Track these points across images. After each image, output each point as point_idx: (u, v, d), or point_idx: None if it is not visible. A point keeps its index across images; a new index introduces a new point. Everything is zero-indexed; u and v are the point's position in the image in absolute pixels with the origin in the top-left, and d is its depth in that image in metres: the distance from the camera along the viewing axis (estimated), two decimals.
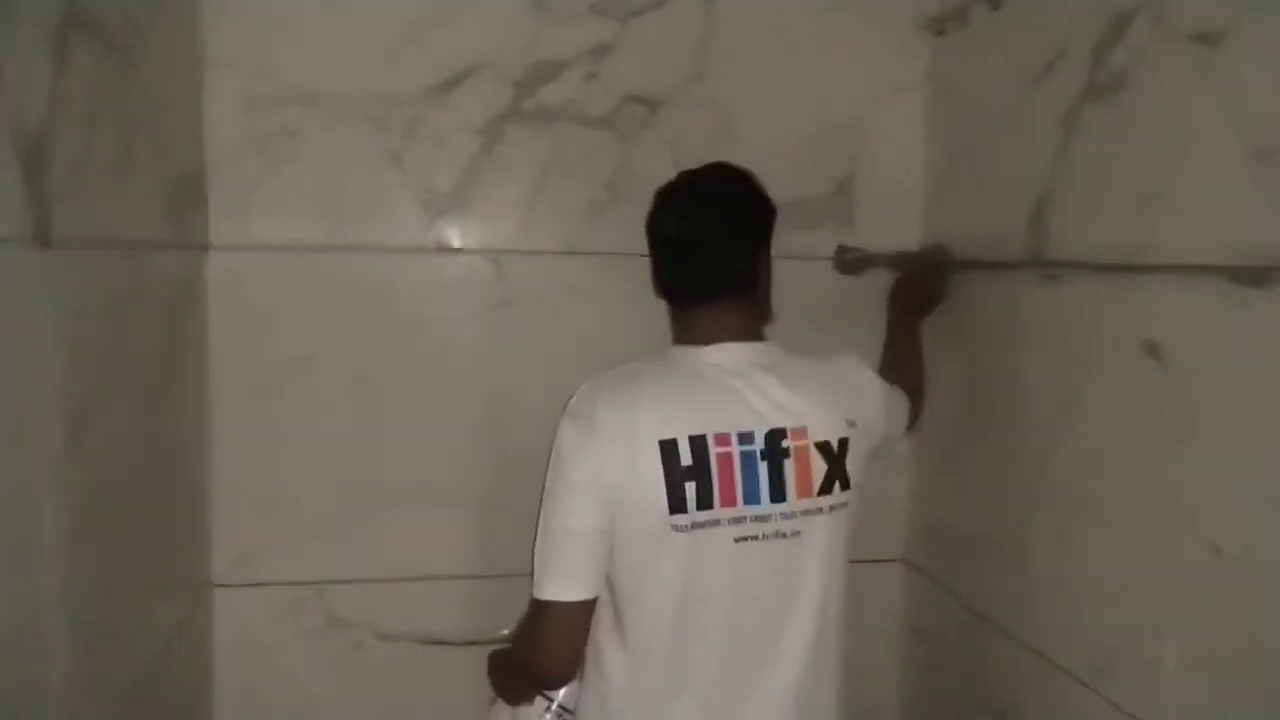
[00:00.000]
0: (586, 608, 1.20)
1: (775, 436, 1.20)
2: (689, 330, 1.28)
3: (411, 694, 1.72)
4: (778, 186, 1.70)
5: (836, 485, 1.23)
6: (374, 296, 1.64)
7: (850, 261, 1.73)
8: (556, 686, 1.29)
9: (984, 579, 1.58)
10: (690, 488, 1.16)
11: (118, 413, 1.18)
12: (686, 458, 1.16)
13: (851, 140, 1.74)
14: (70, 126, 1.00)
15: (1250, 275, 1.03)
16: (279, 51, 1.56)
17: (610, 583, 1.22)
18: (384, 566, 1.69)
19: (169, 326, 1.42)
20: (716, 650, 1.21)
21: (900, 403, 1.45)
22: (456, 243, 1.66)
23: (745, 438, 1.18)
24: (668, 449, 1.16)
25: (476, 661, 1.57)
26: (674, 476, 1.16)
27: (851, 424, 1.25)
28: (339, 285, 1.62)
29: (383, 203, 1.62)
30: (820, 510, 1.22)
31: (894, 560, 1.87)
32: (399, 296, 1.65)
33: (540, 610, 1.19)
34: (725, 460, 1.17)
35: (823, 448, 1.22)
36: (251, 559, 1.64)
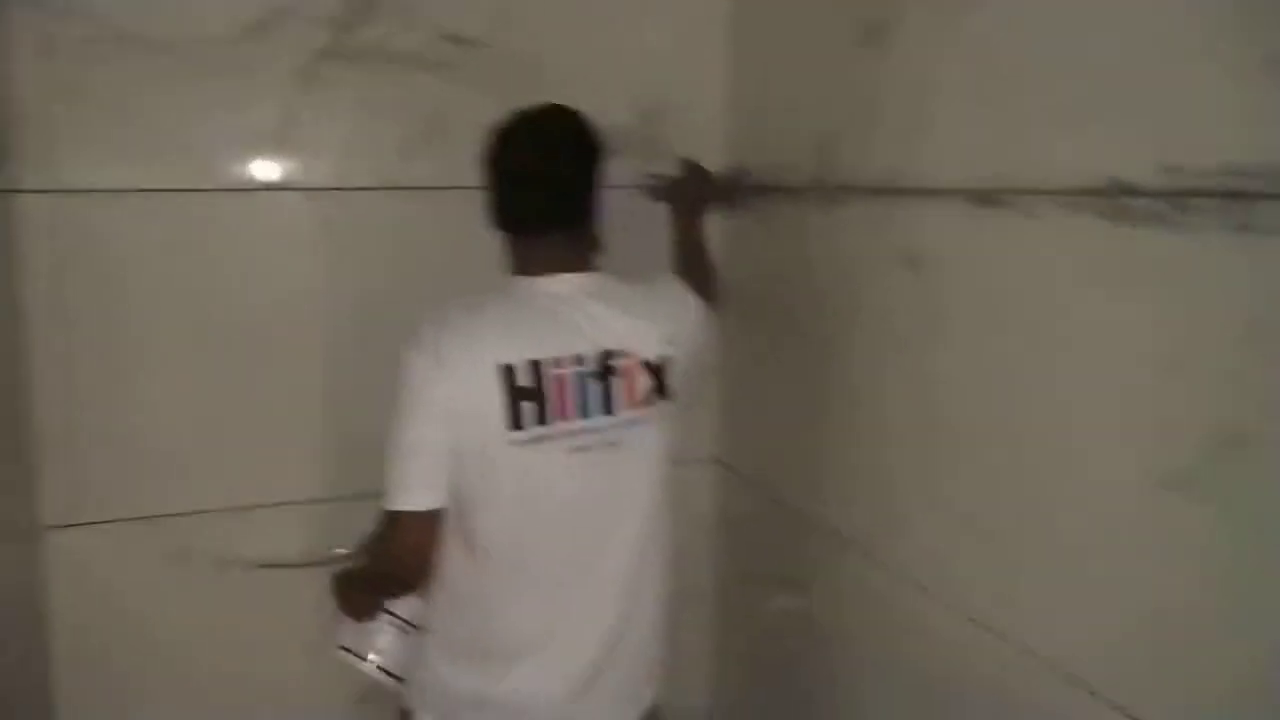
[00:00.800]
0: (435, 516, 1.30)
1: (605, 358, 1.33)
2: (526, 261, 1.37)
3: (258, 618, 1.78)
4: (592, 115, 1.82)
5: (657, 397, 1.38)
6: (199, 235, 1.65)
7: (662, 188, 1.86)
8: (413, 589, 1.39)
9: (784, 471, 1.80)
10: (528, 407, 1.29)
11: None
12: (524, 379, 1.28)
13: (658, 72, 1.86)
14: None
15: (983, 196, 1.23)
16: None
17: (457, 495, 1.31)
18: (223, 496, 1.73)
19: None
20: (555, 548, 1.36)
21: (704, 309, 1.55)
22: (277, 181, 1.69)
23: (578, 359, 1.32)
24: (506, 372, 1.28)
25: (318, 581, 1.66)
26: (513, 397, 1.28)
27: (671, 342, 1.39)
28: (161, 225, 1.63)
29: (200, 143, 1.63)
30: (645, 420, 1.37)
31: (707, 461, 2.06)
32: (224, 234, 1.67)
33: (394, 520, 1.30)
34: (560, 380, 1.31)
35: (647, 365, 1.36)
36: (86, 498, 1.65)
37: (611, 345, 1.34)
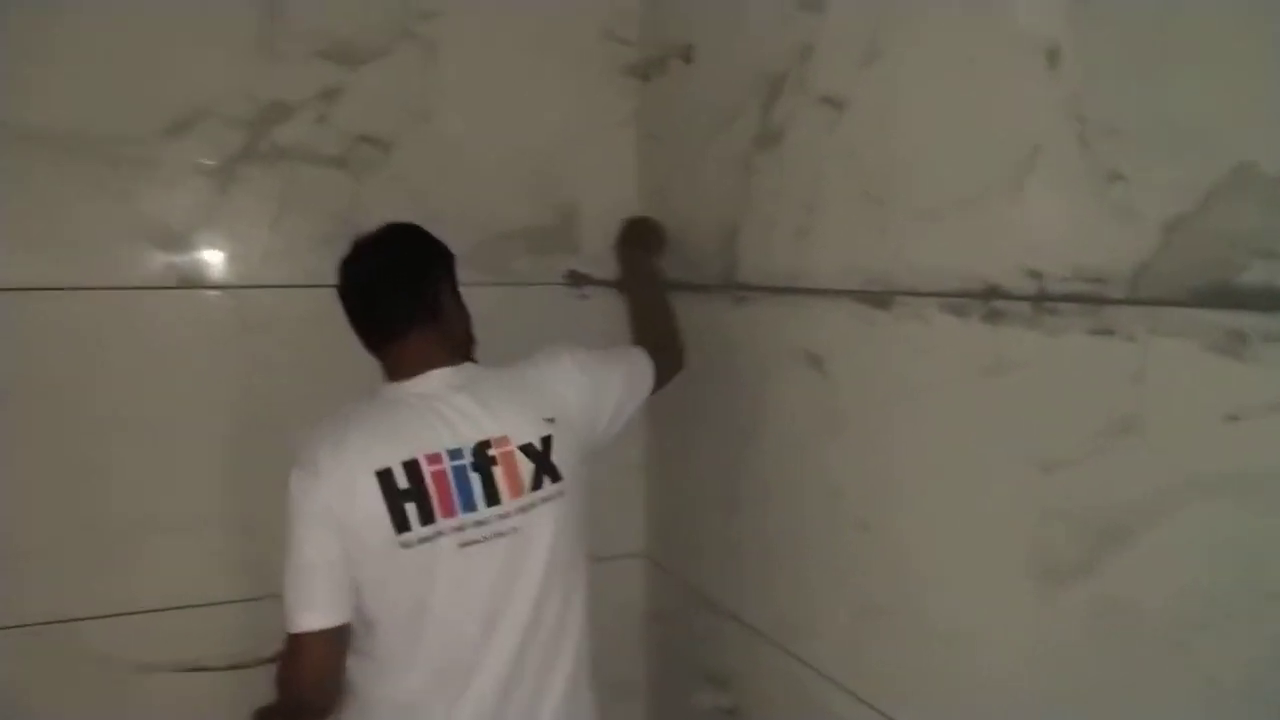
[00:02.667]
0: (338, 633, 1.28)
1: (481, 448, 1.33)
2: (392, 368, 1.38)
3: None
4: (506, 217, 1.87)
5: (546, 479, 1.36)
6: (114, 334, 1.65)
7: (582, 284, 1.90)
8: (327, 713, 1.35)
9: (705, 566, 1.79)
10: (411, 508, 1.28)
11: None
12: (403, 481, 1.29)
13: (572, 174, 1.92)
14: None
15: (875, 298, 1.26)
16: (4, 89, 1.55)
17: (356, 604, 1.31)
18: (133, 599, 1.69)
19: None
20: (454, 643, 1.33)
21: (635, 364, 1.54)
22: (194, 279, 1.69)
23: (454, 454, 1.31)
24: (384, 477, 1.28)
25: (242, 685, 1.62)
26: (394, 501, 1.28)
27: (550, 420, 1.38)
28: (69, 325, 1.62)
29: (116, 242, 1.64)
30: (534, 505, 1.35)
31: (635, 556, 2.05)
32: (138, 333, 1.66)
33: (295, 643, 1.28)
34: (439, 476, 1.30)
35: (526, 450, 1.35)
36: None
37: (485, 435, 1.34)
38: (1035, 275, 1.00)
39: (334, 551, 1.27)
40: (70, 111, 1.59)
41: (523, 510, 1.35)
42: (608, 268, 1.92)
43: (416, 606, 1.31)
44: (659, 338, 1.66)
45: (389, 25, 1.76)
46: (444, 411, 1.33)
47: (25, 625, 1.63)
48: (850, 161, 1.30)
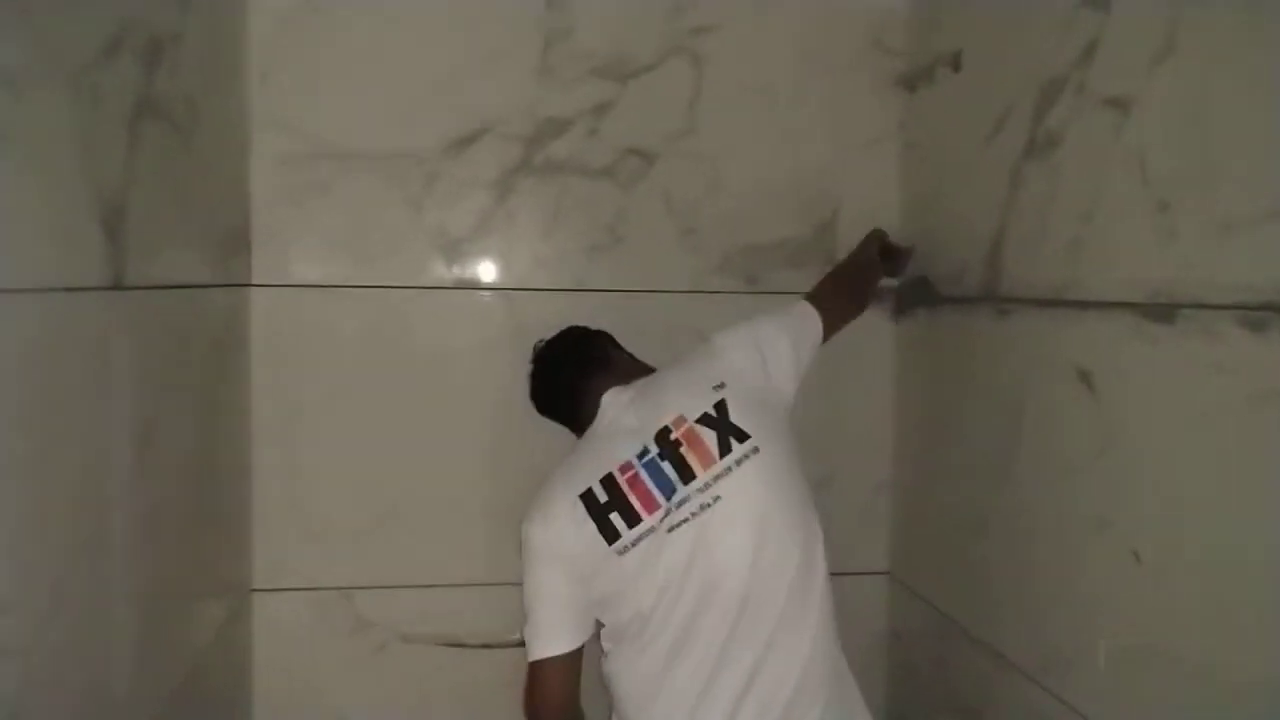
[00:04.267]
0: (569, 659, 1.38)
1: (663, 435, 1.39)
2: (581, 420, 1.52)
3: (431, 692, 1.87)
4: (763, 229, 1.90)
5: (733, 441, 1.38)
6: (398, 329, 1.82)
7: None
8: None
9: (954, 588, 1.72)
10: (616, 517, 1.36)
11: (177, 433, 1.36)
12: (603, 496, 1.38)
13: (831, 186, 1.91)
14: (140, 193, 1.19)
15: (1158, 312, 1.17)
16: (312, 115, 1.76)
17: (606, 625, 1.41)
18: (406, 574, 1.85)
19: (218, 357, 1.61)
20: (708, 625, 1.34)
21: (796, 314, 1.57)
22: (473, 282, 1.84)
23: (641, 454, 1.39)
24: (587, 498, 1.38)
25: (491, 663, 1.73)
26: (600, 516, 1.37)
27: (720, 386, 1.42)
28: (366, 319, 1.81)
29: (404, 247, 1.81)
30: (729, 470, 1.37)
31: (881, 573, 2.01)
32: (421, 329, 1.83)
33: (532, 671, 1.39)
34: (633, 480, 1.38)
35: (704, 420, 1.39)
36: (286, 566, 1.81)
37: (662, 424, 1.40)
38: None
39: (560, 585, 1.38)
40: (374, 132, 1.78)
41: (719, 477, 1.37)
42: None
43: (654, 607, 1.35)
44: (834, 284, 1.71)
45: (661, 40, 1.84)
46: (625, 425, 1.43)
47: (315, 589, 1.83)
48: (1136, 166, 1.21)
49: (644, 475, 1.38)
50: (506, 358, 1.83)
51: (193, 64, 1.41)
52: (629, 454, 1.40)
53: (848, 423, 1.95)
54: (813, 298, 1.61)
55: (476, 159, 1.81)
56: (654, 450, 1.39)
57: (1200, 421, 1.11)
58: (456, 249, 1.82)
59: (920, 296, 1.83)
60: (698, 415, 1.40)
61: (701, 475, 1.37)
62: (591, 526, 1.36)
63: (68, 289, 1.02)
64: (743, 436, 1.39)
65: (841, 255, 1.90)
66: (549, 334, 1.66)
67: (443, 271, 1.83)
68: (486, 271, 1.84)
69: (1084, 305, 1.32)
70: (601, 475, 1.39)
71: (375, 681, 1.86)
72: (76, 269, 1.04)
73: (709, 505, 1.35)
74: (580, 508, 1.37)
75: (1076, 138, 1.34)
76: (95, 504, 1.10)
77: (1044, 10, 1.41)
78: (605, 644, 1.43)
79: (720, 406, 1.40)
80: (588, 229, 1.85)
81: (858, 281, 1.76)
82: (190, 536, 1.45)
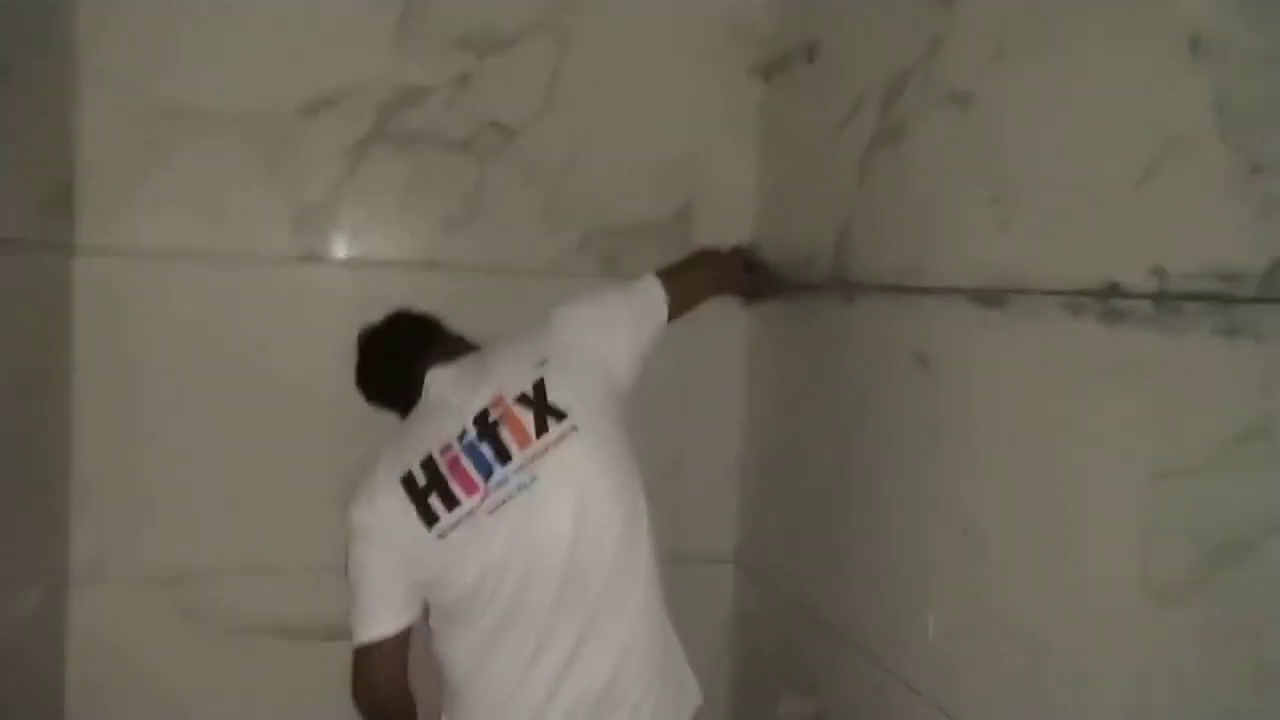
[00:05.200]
0: (394, 642, 1.35)
1: (481, 416, 1.37)
2: (411, 400, 1.46)
3: (262, 685, 1.78)
4: (623, 211, 1.89)
5: (550, 421, 1.37)
6: (240, 301, 1.73)
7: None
8: (389, 714, 1.40)
9: (798, 571, 1.76)
10: (434, 499, 1.34)
11: None
12: (421, 479, 1.35)
13: (690, 171, 1.93)
14: None
15: (990, 297, 1.23)
16: (151, 70, 1.66)
17: (433, 606, 1.38)
18: (235, 559, 1.76)
19: (33, 322, 1.49)
20: (511, 603, 1.34)
21: (641, 290, 1.55)
22: (321, 254, 1.77)
23: (461, 435, 1.37)
24: (407, 481, 1.35)
25: (325, 654, 1.67)
26: (419, 500, 1.34)
27: (542, 363, 1.40)
28: (204, 290, 1.71)
29: (249, 214, 1.72)
30: (545, 449, 1.35)
31: (724, 561, 2.03)
32: (265, 302, 1.75)
33: (358, 656, 1.36)
34: (452, 462, 1.35)
35: (521, 400, 1.37)
36: (108, 555, 1.70)
37: (480, 405, 1.38)
38: (1158, 272, 0.96)
39: (383, 566, 1.35)
40: (220, 92, 1.68)
41: (536, 457, 1.35)
42: None
43: (477, 587, 1.34)
44: (688, 264, 1.69)
45: (526, 14, 1.82)
46: (448, 404, 1.40)
47: (138, 577, 1.72)
48: (974, 158, 1.27)
49: (463, 457, 1.35)
50: (351, 334, 1.77)
51: (8, 5, 1.30)
52: (449, 435, 1.37)
53: (697, 408, 1.96)
54: (662, 274, 1.59)
55: (328, 125, 1.74)
56: (472, 432, 1.36)
57: (1025, 400, 1.16)
58: (304, 219, 1.75)
59: (771, 283, 1.86)
60: (515, 395, 1.38)
61: (518, 456, 1.35)
62: (412, 510, 1.34)
63: None
64: (560, 416, 1.37)
65: (697, 239, 1.92)
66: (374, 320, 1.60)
67: (288, 242, 1.75)
68: (335, 243, 1.78)
69: (924, 291, 1.37)
70: (422, 458, 1.36)
71: (203, 675, 1.76)
72: None
73: (526, 486, 1.34)
74: (400, 490, 1.35)
75: (922, 129, 1.39)
76: None
77: (896, 5, 1.46)
78: (433, 623, 1.40)
79: (539, 386, 1.38)
80: (443, 202, 1.81)
81: (712, 269, 1.76)
82: None
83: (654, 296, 1.55)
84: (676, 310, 1.57)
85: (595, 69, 1.86)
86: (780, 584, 1.83)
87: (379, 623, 1.34)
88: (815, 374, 1.69)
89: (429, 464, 1.36)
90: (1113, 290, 1.02)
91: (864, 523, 1.52)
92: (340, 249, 1.78)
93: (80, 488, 1.67)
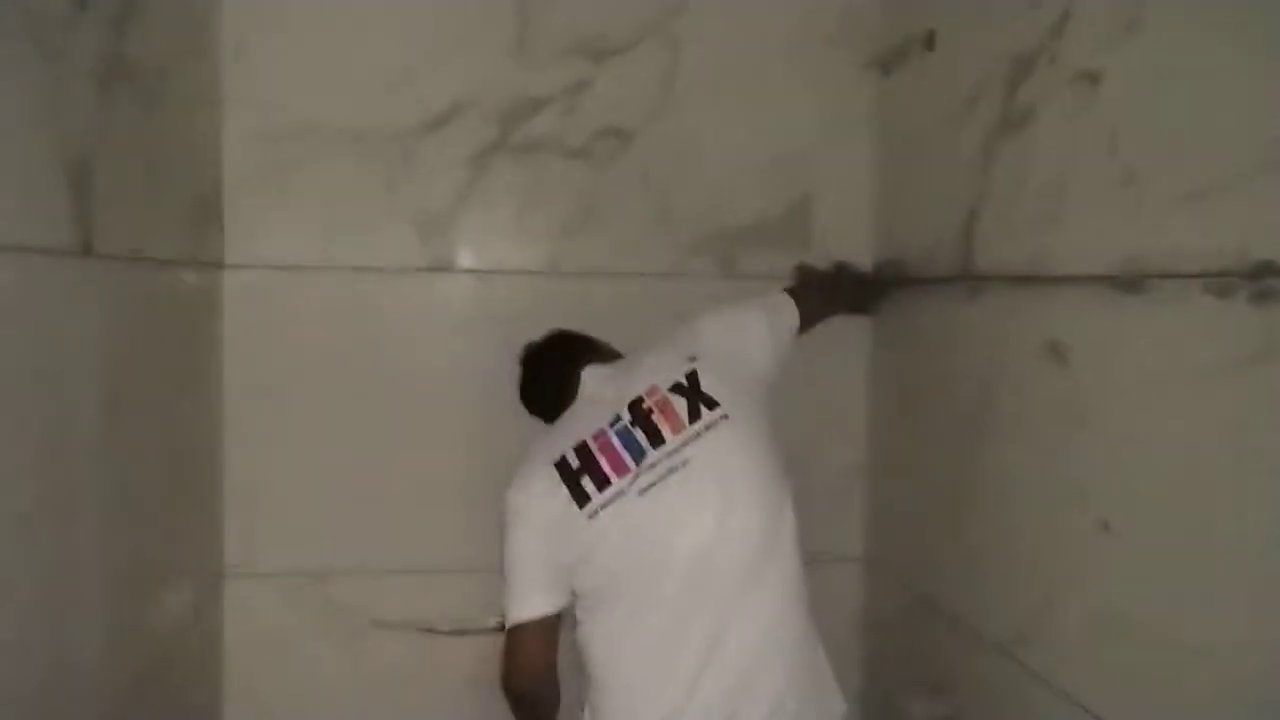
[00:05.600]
0: (546, 623, 1.39)
1: (635, 404, 1.43)
2: (568, 404, 1.53)
3: (405, 678, 1.85)
4: (738, 210, 1.90)
5: (703, 408, 1.42)
6: (373, 311, 1.81)
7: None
8: (535, 699, 1.45)
9: (929, 570, 1.73)
10: (586, 481, 1.39)
11: (145, 409, 1.34)
12: (575, 462, 1.41)
13: (806, 168, 1.91)
14: (110, 154, 1.17)
15: (1127, 283, 1.18)
16: (286, 91, 1.75)
17: (579, 592, 1.41)
18: (380, 558, 1.84)
19: (189, 334, 1.59)
20: (683, 582, 1.36)
21: (774, 302, 1.63)
22: (447, 263, 1.83)
23: (614, 421, 1.43)
24: (561, 465, 1.42)
25: (465, 648, 1.72)
26: (571, 481, 1.40)
27: (693, 358, 1.47)
28: (340, 300, 1.80)
29: (379, 227, 1.80)
30: (699, 434, 1.40)
31: (853, 559, 2.01)
32: (396, 311, 1.82)
33: (510, 636, 1.41)
34: (604, 446, 1.41)
35: (676, 389, 1.43)
36: (260, 550, 1.80)
37: (635, 394, 1.44)
38: None
39: (536, 549, 1.40)
40: (349, 110, 1.77)
41: (689, 442, 1.40)
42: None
43: (629, 568, 1.38)
44: (809, 284, 1.76)
45: (637, 21, 1.84)
46: (602, 397, 1.47)
47: (287, 574, 1.82)
48: (1105, 139, 1.22)
49: (615, 441, 1.41)
50: (480, 339, 1.83)
51: (164, 30, 1.40)
52: (603, 423, 1.43)
53: (822, 406, 1.95)
54: (791, 290, 1.67)
55: (452, 138, 1.80)
56: (626, 418, 1.42)
57: (1169, 389, 1.11)
58: (430, 229, 1.82)
59: (894, 278, 1.83)
60: (670, 384, 1.44)
61: (671, 440, 1.40)
62: (564, 491, 1.39)
63: (33, 249, 1.00)
64: (712, 404, 1.42)
65: (815, 237, 1.91)
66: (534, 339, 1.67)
67: (416, 252, 1.82)
68: (460, 252, 1.83)
69: (1055, 280, 1.33)
70: (575, 443, 1.42)
71: (349, 668, 1.84)
72: (43, 229, 1.03)
73: (676, 469, 1.38)
74: (554, 474, 1.40)
75: (1048, 112, 1.35)
76: (57, 474, 1.08)
77: None
78: (579, 613, 1.43)
79: (692, 376, 1.44)
80: (563, 209, 1.85)
81: (828, 288, 1.80)
82: (159, 516, 1.43)
83: (787, 309, 1.62)
84: (804, 325, 1.64)
85: (707, 71, 1.87)
86: (910, 582, 1.79)
87: (529, 605, 1.39)
88: (941, 369, 1.65)
89: (583, 449, 1.41)
90: (1265, 269, 0.97)
91: (996, 519, 1.48)
92: (464, 258, 1.83)
93: (232, 488, 1.77)
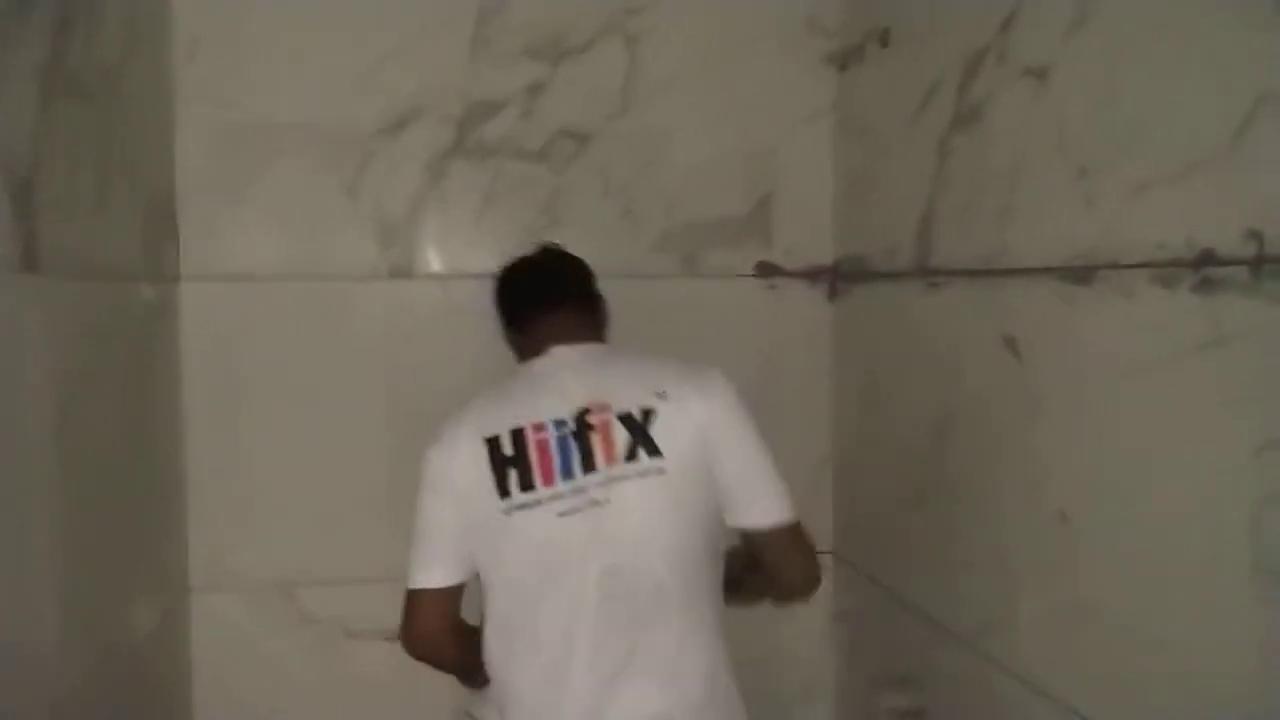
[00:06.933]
0: (447, 593, 1.36)
1: (582, 415, 1.34)
2: (529, 345, 1.46)
3: (377, 686, 1.83)
4: (700, 208, 1.90)
5: (641, 452, 1.32)
6: (334, 318, 1.80)
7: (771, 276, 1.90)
8: (433, 665, 1.44)
9: (895, 563, 1.74)
10: (513, 474, 1.33)
11: (101, 425, 1.32)
12: (508, 449, 1.34)
13: (767, 165, 1.92)
14: (53, 164, 1.16)
15: (1077, 275, 1.19)
16: (242, 90, 1.73)
17: (479, 577, 1.37)
18: (348, 568, 1.82)
19: (145, 346, 1.57)
20: (564, 614, 1.31)
21: (776, 479, 1.40)
22: (407, 268, 1.82)
23: (559, 423, 1.34)
24: (492, 444, 1.34)
25: None
26: (499, 467, 1.33)
27: (661, 395, 1.34)
28: (301, 309, 1.78)
29: (338, 232, 1.79)
30: (625, 476, 1.31)
31: (822, 553, 2.01)
32: (356, 318, 1.81)
33: (409, 599, 1.37)
34: (541, 445, 1.33)
35: (624, 418, 1.33)
36: (224, 563, 1.78)
37: (587, 402, 1.35)
38: (1255, 236, 0.92)
39: (446, 516, 1.36)
40: (306, 113, 1.75)
41: (614, 480, 1.32)
42: (799, 260, 1.92)
43: (522, 574, 1.33)
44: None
45: (594, 20, 1.84)
46: (557, 384, 1.38)
47: (255, 586, 1.80)
48: (1055, 133, 1.23)
49: (553, 445, 1.33)
50: (442, 343, 1.82)
51: (111, 31, 1.37)
52: (546, 415, 1.35)
53: (787, 402, 1.95)
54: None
55: (408, 142, 1.79)
56: (570, 426, 1.34)
57: (1120, 380, 1.13)
58: (390, 236, 1.81)
59: (854, 273, 1.84)
60: (621, 411, 1.34)
61: (601, 471, 1.32)
62: (488, 473, 1.33)
63: None
64: (654, 452, 1.32)
65: (777, 234, 1.93)
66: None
67: (377, 258, 1.81)
68: (420, 257, 1.83)
69: (1009, 273, 1.34)
70: (513, 426, 1.35)
71: (320, 679, 1.83)
72: None
73: (597, 504, 1.31)
74: (483, 450, 1.34)
75: (999, 108, 1.36)
76: (7, 494, 1.06)
77: None
78: (484, 605, 1.38)
79: (647, 414, 1.34)
80: (522, 212, 1.84)
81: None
82: (119, 532, 1.41)
83: (786, 500, 1.40)
84: (761, 554, 1.42)
85: (665, 70, 1.87)
86: (879, 575, 1.80)
87: (429, 574, 1.36)
88: (903, 363, 1.66)
89: (518, 436, 1.34)
90: (1207, 258, 0.98)
91: (959, 511, 1.49)
92: (425, 263, 1.83)
93: (196, 501, 1.76)
